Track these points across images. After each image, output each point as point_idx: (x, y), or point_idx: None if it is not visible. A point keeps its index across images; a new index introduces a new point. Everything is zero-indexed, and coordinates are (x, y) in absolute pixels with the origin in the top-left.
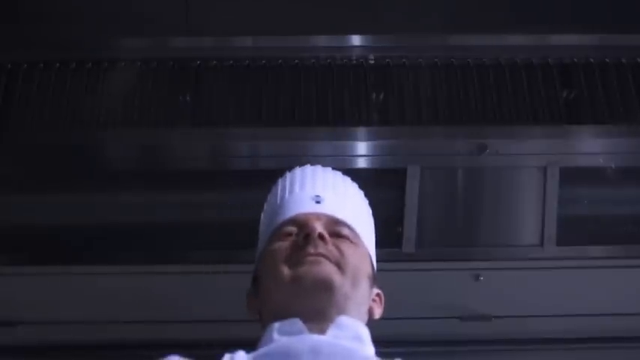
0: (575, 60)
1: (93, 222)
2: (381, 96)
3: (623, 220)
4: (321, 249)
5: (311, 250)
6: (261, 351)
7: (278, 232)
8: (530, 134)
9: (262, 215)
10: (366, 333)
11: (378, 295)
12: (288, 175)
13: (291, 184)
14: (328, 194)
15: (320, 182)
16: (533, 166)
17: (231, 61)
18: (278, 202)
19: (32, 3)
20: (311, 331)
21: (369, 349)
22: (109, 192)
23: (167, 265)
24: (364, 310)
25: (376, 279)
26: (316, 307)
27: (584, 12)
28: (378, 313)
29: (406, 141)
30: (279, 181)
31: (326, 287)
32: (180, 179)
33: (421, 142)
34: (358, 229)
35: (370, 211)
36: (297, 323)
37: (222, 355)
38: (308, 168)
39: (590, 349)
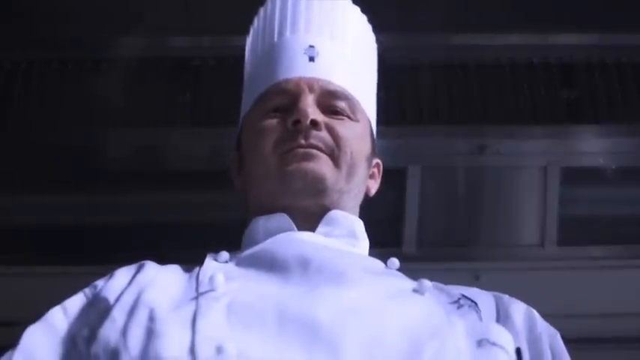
0: (576, 60)
1: (93, 222)
2: (381, 95)
3: (624, 220)
4: (313, 139)
5: (301, 140)
6: (245, 254)
7: (265, 103)
8: (530, 134)
9: (248, 52)
10: (360, 226)
11: (377, 165)
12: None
13: (282, 22)
14: (324, 40)
15: (316, 21)
16: (533, 166)
17: (230, 60)
18: (266, 45)
19: (31, 2)
20: (300, 227)
21: (363, 244)
22: (109, 192)
23: (167, 265)
24: (360, 196)
25: (375, 150)
26: (306, 205)
27: (584, 12)
28: (374, 189)
29: (406, 141)
30: (269, 4)
31: (317, 188)
32: (180, 179)
33: (421, 142)
34: (358, 92)
35: (373, 39)
36: (284, 218)
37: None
38: None
39: (590, 350)
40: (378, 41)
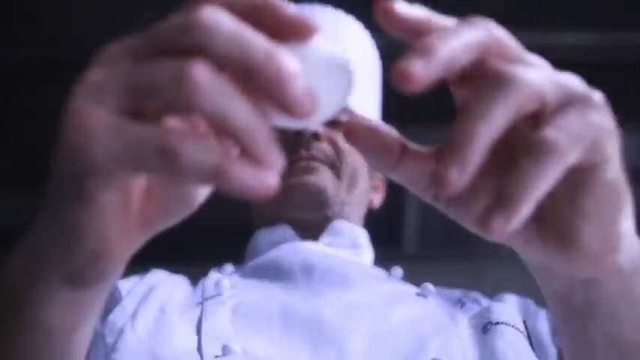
0: (576, 60)
1: None
2: (381, 95)
3: None
4: (314, 151)
5: (303, 153)
6: (250, 265)
7: None
8: None
9: None
10: (363, 237)
11: (381, 179)
12: None
13: None
14: None
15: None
16: None
17: None
18: None
19: (32, 2)
20: (303, 237)
21: (366, 255)
22: None
23: (169, 265)
24: (363, 207)
25: None
26: (309, 217)
27: (585, 11)
28: (377, 202)
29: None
30: None
31: (319, 200)
32: None
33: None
34: (360, 104)
35: (375, 55)
36: (287, 229)
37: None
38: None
39: None
40: (378, 41)
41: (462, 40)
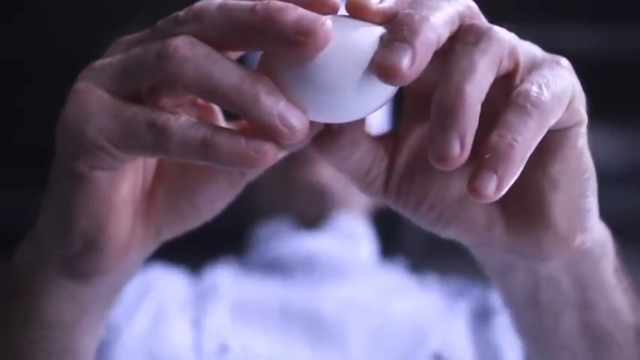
0: (576, 59)
1: None
2: None
3: (623, 219)
4: None
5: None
6: (249, 258)
7: None
8: None
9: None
10: (364, 229)
11: None
12: None
13: None
14: None
15: None
16: None
17: None
18: None
19: (34, 1)
20: (303, 229)
21: (368, 247)
22: None
23: (167, 260)
24: (367, 199)
25: None
26: (309, 210)
27: (585, 10)
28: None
29: None
30: None
31: (321, 195)
32: None
33: None
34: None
35: None
36: (287, 222)
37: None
38: None
39: None
40: None
41: (442, 16)
